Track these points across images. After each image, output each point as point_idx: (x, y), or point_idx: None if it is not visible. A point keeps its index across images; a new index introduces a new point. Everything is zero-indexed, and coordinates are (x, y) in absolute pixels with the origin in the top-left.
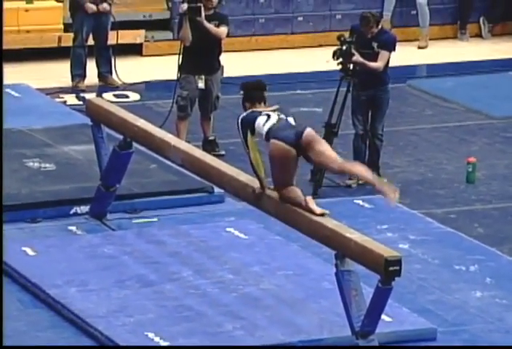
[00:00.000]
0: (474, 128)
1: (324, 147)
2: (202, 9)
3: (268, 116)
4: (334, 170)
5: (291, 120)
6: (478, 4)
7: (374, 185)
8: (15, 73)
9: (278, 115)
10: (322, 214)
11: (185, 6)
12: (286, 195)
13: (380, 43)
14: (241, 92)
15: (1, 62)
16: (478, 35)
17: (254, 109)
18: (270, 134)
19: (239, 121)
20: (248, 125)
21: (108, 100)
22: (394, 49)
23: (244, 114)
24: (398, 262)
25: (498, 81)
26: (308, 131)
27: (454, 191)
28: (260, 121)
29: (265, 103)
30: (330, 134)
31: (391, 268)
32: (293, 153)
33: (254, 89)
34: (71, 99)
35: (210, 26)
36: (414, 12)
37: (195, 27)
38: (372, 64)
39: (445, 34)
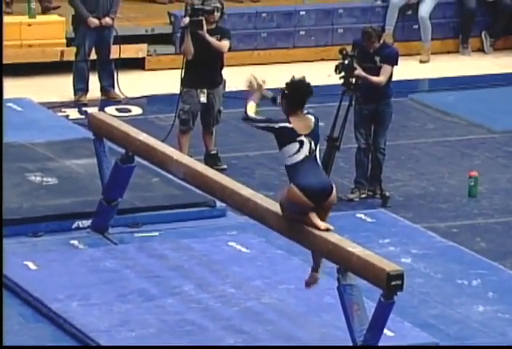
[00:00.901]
0: (476, 142)
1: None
2: (204, 22)
3: (301, 145)
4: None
5: (317, 152)
6: (480, 19)
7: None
8: (18, 88)
9: (310, 142)
10: (327, 229)
11: (186, 19)
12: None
13: (382, 58)
14: (286, 88)
15: (1, 76)
16: (480, 49)
17: (292, 117)
18: (294, 170)
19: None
20: (272, 130)
21: (110, 114)
22: (396, 63)
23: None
24: (400, 276)
25: (500, 96)
26: (333, 196)
27: (457, 205)
28: (291, 148)
29: (302, 108)
30: (332, 148)
31: (393, 282)
32: (310, 207)
33: (301, 92)
34: (73, 113)
35: (212, 39)
36: (416, 26)
37: (197, 41)
38: (375, 78)
39: (447, 48)
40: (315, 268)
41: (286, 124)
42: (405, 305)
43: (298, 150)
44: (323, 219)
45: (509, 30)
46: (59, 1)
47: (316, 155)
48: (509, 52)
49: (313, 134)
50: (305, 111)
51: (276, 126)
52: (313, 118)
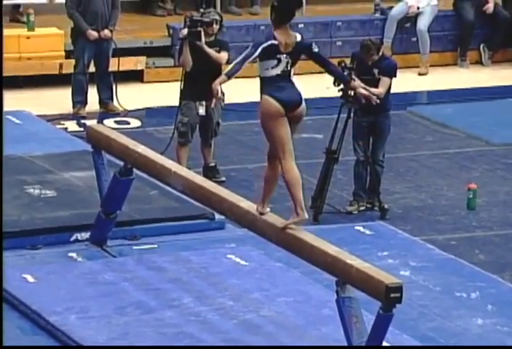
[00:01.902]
0: (474, 154)
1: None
2: (202, 33)
3: (278, 62)
4: (281, 163)
5: (291, 71)
6: (479, 31)
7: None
8: (16, 100)
9: (287, 62)
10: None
11: (185, 30)
12: (283, 172)
13: (381, 70)
14: (275, 0)
15: (1, 89)
16: (479, 62)
17: (278, 30)
18: (266, 82)
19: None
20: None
21: (109, 127)
22: (395, 76)
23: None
24: (399, 288)
25: (498, 108)
26: (303, 107)
27: (455, 218)
28: (269, 64)
29: (290, 22)
30: (331, 160)
31: (392, 295)
32: (282, 112)
33: (289, 4)
34: (72, 125)
35: (210, 51)
36: (414, 39)
37: (195, 52)
38: (373, 90)
39: (445, 61)
40: (263, 200)
41: (271, 42)
42: (404, 317)
43: (274, 67)
44: (293, 131)
45: (507, 42)
46: (58, 13)
47: (290, 73)
48: (507, 65)
49: (293, 52)
50: (299, 37)
51: (265, 44)
52: (298, 37)
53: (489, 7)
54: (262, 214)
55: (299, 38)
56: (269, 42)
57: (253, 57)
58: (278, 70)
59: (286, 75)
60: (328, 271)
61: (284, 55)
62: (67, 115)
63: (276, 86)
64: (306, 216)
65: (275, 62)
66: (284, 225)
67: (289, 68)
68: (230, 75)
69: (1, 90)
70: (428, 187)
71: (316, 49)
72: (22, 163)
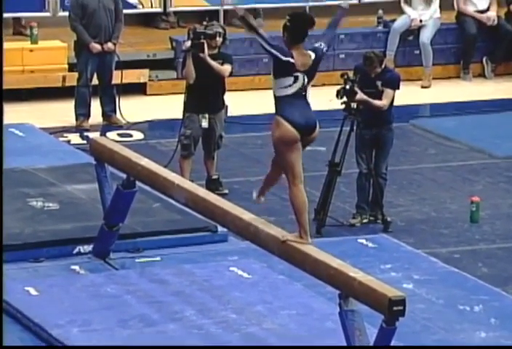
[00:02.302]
0: (478, 167)
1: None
2: (205, 45)
3: (295, 80)
4: (289, 186)
5: (308, 89)
6: (481, 44)
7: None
8: (19, 113)
9: (304, 79)
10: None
11: (188, 42)
12: (291, 197)
13: (384, 82)
14: (288, 21)
15: (1, 101)
16: (481, 75)
17: (293, 50)
18: (282, 102)
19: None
20: (277, 52)
21: (112, 139)
22: (398, 88)
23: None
24: (402, 301)
25: (501, 121)
26: (318, 131)
27: (458, 230)
28: (285, 81)
29: (303, 42)
30: (334, 173)
31: (395, 308)
32: (297, 138)
33: (302, 25)
34: (75, 138)
35: (213, 63)
36: (417, 52)
37: (198, 65)
38: (377, 102)
39: (448, 74)
40: (262, 192)
41: (289, 59)
42: (407, 330)
43: (291, 85)
44: (303, 150)
45: (510, 55)
46: (61, 26)
47: (306, 92)
48: (510, 78)
49: (309, 71)
50: (317, 44)
51: (284, 58)
52: (312, 55)
53: (492, 17)
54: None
55: (313, 56)
56: (288, 59)
57: (281, 57)
58: (294, 89)
59: (301, 94)
60: (331, 284)
61: (301, 74)
62: (70, 128)
63: (291, 106)
64: (309, 241)
65: (291, 79)
66: (285, 239)
67: (305, 86)
68: (254, 27)
69: (1, 103)
70: (431, 200)
71: (325, 49)
72: (25, 176)
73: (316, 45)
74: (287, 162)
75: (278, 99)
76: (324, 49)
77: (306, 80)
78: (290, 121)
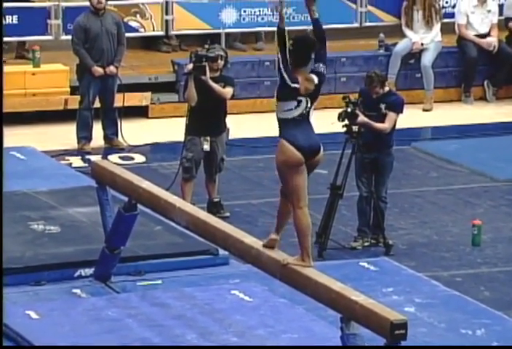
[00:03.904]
0: (479, 190)
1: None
2: (207, 68)
3: (298, 104)
4: (294, 209)
5: (311, 111)
6: (482, 68)
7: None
8: (21, 136)
9: (307, 102)
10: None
11: (190, 65)
12: (295, 220)
13: (388, 105)
14: (291, 45)
15: (1, 123)
16: (483, 98)
17: (298, 74)
18: (285, 125)
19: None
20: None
21: (114, 162)
22: (402, 112)
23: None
24: (404, 325)
25: (502, 144)
26: (321, 154)
27: (460, 254)
28: (288, 105)
29: (307, 65)
30: (335, 196)
31: (397, 332)
32: (301, 161)
33: (305, 49)
34: (76, 161)
35: (215, 85)
36: (418, 75)
37: (200, 87)
38: (379, 125)
39: (449, 97)
40: (277, 230)
41: (294, 86)
42: None
43: (294, 108)
44: (308, 174)
45: (511, 79)
46: (64, 50)
47: (309, 114)
48: (511, 101)
49: (312, 94)
50: (317, 67)
51: (291, 85)
52: (316, 79)
53: (492, 42)
54: (271, 244)
55: (316, 80)
56: (295, 85)
57: (288, 83)
58: (297, 112)
59: (305, 117)
60: (332, 307)
61: (304, 98)
62: (71, 151)
63: (294, 129)
64: (312, 264)
65: (295, 103)
66: (287, 262)
67: (308, 109)
68: (287, 45)
69: (1, 125)
70: (433, 223)
71: (324, 71)
72: (27, 199)
73: (317, 68)
74: (291, 185)
75: (281, 122)
76: (324, 71)
77: (309, 103)
78: (294, 144)
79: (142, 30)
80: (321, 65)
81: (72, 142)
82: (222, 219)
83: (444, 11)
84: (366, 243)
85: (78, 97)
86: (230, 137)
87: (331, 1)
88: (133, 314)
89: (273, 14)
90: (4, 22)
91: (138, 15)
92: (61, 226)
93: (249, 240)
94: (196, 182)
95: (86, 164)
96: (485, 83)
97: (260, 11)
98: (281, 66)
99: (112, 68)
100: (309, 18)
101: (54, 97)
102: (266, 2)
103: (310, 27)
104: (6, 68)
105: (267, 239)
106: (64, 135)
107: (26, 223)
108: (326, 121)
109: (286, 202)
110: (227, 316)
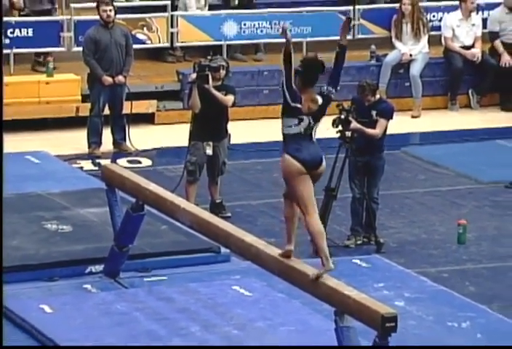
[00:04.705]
0: (464, 192)
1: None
2: (210, 77)
3: (300, 122)
4: (304, 216)
5: (313, 130)
6: (467, 77)
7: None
8: (35, 141)
9: (309, 121)
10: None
11: (194, 75)
12: (308, 227)
13: (378, 112)
14: (299, 66)
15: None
16: (468, 106)
17: (303, 94)
18: (288, 139)
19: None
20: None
21: (122, 166)
22: (392, 118)
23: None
24: (394, 318)
25: (486, 149)
26: (323, 166)
27: (447, 251)
28: (291, 121)
29: (313, 86)
30: (330, 197)
31: (388, 324)
32: (303, 171)
33: (313, 70)
34: (87, 164)
35: (217, 93)
36: (407, 84)
37: (203, 95)
38: (370, 130)
39: (436, 105)
40: (289, 240)
41: (297, 105)
42: (399, 345)
43: (296, 125)
44: (313, 184)
45: (494, 88)
46: (75, 61)
47: (311, 132)
48: (494, 108)
49: (315, 114)
50: (324, 89)
51: (292, 104)
52: (320, 100)
53: (476, 54)
54: (287, 254)
55: (320, 101)
56: (296, 105)
57: (285, 87)
58: (299, 129)
59: (307, 134)
60: (327, 301)
61: (306, 116)
62: (83, 155)
63: (297, 145)
64: (332, 266)
65: (296, 121)
66: (316, 276)
67: (311, 127)
68: (291, 63)
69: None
70: (421, 223)
71: (333, 93)
72: (40, 200)
73: (324, 90)
74: (298, 194)
75: (284, 137)
76: (332, 93)
77: (312, 122)
78: (296, 157)
79: (149, 42)
80: (330, 88)
81: (83, 147)
82: (223, 219)
83: (431, 24)
84: (359, 242)
85: (88, 105)
86: (231, 142)
87: (326, 15)
88: (140, 308)
89: (271, 27)
90: (19, 34)
91: (145, 28)
92: (73, 225)
93: (249, 238)
94: (199, 184)
95: (97, 168)
96: (470, 91)
97: (259, 24)
98: (285, 85)
99: (120, 78)
100: (304, 31)
101: (67, 104)
102: (265, 16)
103: (305, 39)
104: (22, 78)
105: (283, 250)
106: (75, 140)
107: (40, 223)
108: (321, 126)
109: (290, 204)
110: (228, 310)
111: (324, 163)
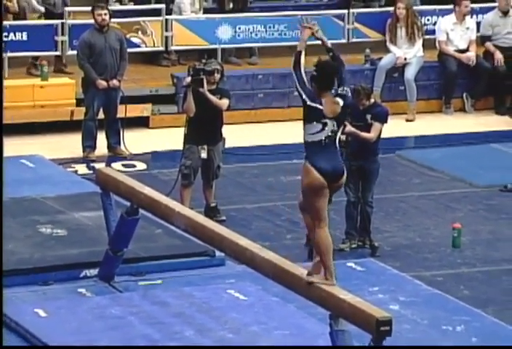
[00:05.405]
0: (459, 196)
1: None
2: (204, 81)
3: (324, 126)
4: (315, 229)
5: (338, 134)
6: (462, 81)
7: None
8: (30, 145)
9: (333, 125)
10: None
11: (188, 79)
12: (317, 240)
13: (373, 116)
14: (314, 70)
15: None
16: (462, 109)
17: (323, 98)
18: (312, 149)
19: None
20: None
21: (117, 170)
22: (386, 121)
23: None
24: (388, 322)
25: (480, 152)
26: (344, 179)
27: (441, 255)
28: (314, 127)
29: (331, 90)
30: None
31: (382, 328)
32: (325, 185)
33: (328, 73)
34: (82, 168)
35: (212, 97)
36: (402, 88)
37: (198, 99)
38: (365, 134)
39: (431, 108)
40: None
41: (317, 105)
42: None
43: (320, 131)
44: (330, 196)
45: (488, 91)
46: (70, 64)
47: (335, 137)
48: (489, 112)
49: (339, 117)
50: (341, 89)
51: (309, 103)
52: (341, 102)
53: (471, 57)
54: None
55: (341, 103)
56: (316, 105)
57: (305, 99)
58: (322, 136)
59: (332, 140)
60: (322, 305)
61: (330, 120)
62: (77, 159)
63: (320, 153)
64: (334, 282)
65: (320, 126)
66: (311, 281)
67: (335, 132)
68: (301, 65)
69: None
70: (416, 227)
71: (345, 92)
72: (35, 204)
73: (342, 91)
74: (314, 207)
75: (307, 145)
76: (348, 94)
77: (335, 127)
78: (318, 168)
79: (144, 45)
80: (345, 87)
81: (78, 151)
82: (218, 223)
83: (425, 28)
84: (354, 245)
85: (83, 109)
86: (226, 146)
87: (321, 19)
88: (135, 312)
89: (265, 31)
90: (13, 38)
91: (140, 32)
92: (67, 229)
93: (244, 242)
94: (194, 188)
95: (91, 171)
96: (464, 95)
97: (253, 27)
98: (298, 86)
99: (115, 82)
100: (299, 34)
101: (61, 108)
102: (260, 19)
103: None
104: (16, 82)
105: (312, 265)
106: (70, 144)
107: (35, 227)
108: None
109: (308, 214)
110: (223, 314)
111: (345, 175)
